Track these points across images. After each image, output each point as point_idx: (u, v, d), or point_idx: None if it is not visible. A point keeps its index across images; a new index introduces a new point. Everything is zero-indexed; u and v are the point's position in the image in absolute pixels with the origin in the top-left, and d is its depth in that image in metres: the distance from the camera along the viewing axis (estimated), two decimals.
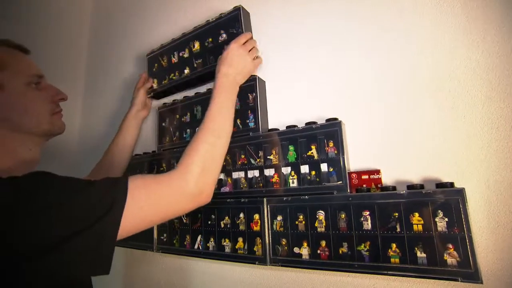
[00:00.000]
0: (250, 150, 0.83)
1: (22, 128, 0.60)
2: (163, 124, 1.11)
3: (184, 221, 0.95)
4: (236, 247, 0.82)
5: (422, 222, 0.58)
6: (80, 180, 0.50)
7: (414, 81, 0.68)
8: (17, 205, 0.42)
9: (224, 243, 0.84)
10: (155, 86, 1.12)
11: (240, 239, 0.82)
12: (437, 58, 0.66)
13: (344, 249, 0.66)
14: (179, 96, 1.10)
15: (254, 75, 0.87)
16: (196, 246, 0.91)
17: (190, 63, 1.02)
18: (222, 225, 0.85)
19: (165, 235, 1.01)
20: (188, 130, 1.02)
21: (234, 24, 0.90)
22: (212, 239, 0.88)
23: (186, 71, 1.02)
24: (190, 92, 1.06)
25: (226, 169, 0.88)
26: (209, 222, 0.89)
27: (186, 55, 1.03)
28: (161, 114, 1.12)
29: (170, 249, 0.97)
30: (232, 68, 0.75)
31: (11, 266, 0.39)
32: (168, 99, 1.14)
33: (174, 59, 1.07)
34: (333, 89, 0.79)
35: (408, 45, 0.70)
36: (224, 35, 0.93)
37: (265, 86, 0.90)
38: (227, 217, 0.85)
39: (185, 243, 0.94)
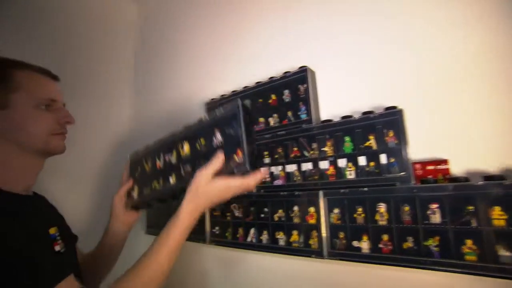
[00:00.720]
0: (303, 143, 0.82)
1: (19, 145, 0.66)
2: None
3: (236, 214, 0.97)
4: (291, 240, 0.82)
5: (505, 217, 0.53)
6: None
7: (482, 64, 0.62)
8: None
9: (278, 236, 0.84)
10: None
11: (295, 232, 0.81)
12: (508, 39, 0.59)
13: (409, 243, 0.63)
14: (225, 91, 1.11)
15: (304, 66, 0.86)
16: (249, 239, 0.92)
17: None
18: (276, 218, 0.85)
19: (217, 228, 1.04)
20: None
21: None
22: (265, 232, 0.88)
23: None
24: (238, 88, 1.07)
25: (279, 162, 0.88)
26: (262, 215, 0.89)
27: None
28: (209, 109, 1.15)
29: (223, 241, 1.00)
30: (200, 207, 0.68)
31: None
32: (216, 94, 1.16)
33: None
34: (389, 76, 0.75)
35: (475, 27, 0.64)
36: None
37: (315, 77, 0.88)
38: (280, 210, 0.85)
39: (237, 235, 0.96)
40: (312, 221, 0.78)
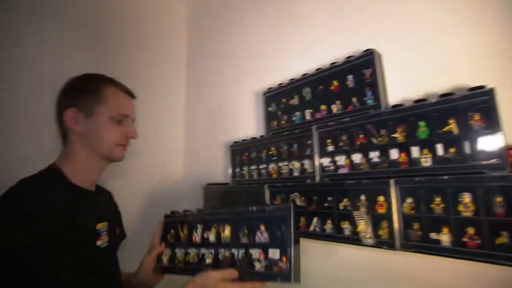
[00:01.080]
0: (370, 129, 0.78)
1: (92, 147, 0.76)
2: (269, 108, 1.13)
3: (298, 203, 0.96)
4: (357, 230, 0.79)
5: None
6: None
7: None
8: None
9: (344, 226, 0.82)
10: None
11: (362, 222, 0.78)
12: None
13: (503, 238, 0.56)
14: (283, 79, 1.10)
15: (369, 49, 0.81)
16: (311, 228, 0.91)
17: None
18: (342, 207, 0.83)
19: None
20: (296, 113, 1.02)
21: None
22: (329, 221, 0.86)
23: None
24: (296, 75, 1.05)
25: (343, 150, 0.85)
26: (326, 204, 0.87)
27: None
28: (267, 99, 1.15)
29: None
30: None
31: None
32: (272, 83, 1.16)
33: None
34: (464, 53, 0.67)
35: None
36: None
37: (382, 59, 0.83)
38: (346, 199, 0.83)
39: (299, 224, 0.95)
40: (381, 210, 0.74)
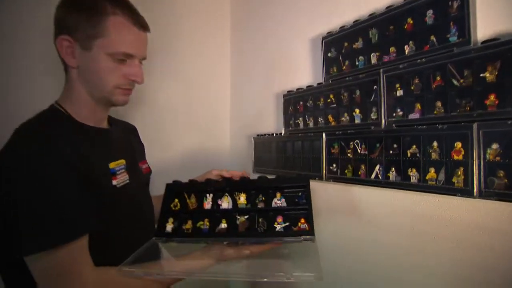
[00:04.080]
0: (452, 70, 0.71)
1: (89, 86, 0.70)
2: (329, 54, 1.08)
3: (359, 150, 0.94)
4: (427, 177, 0.76)
5: None
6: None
7: None
8: None
9: (411, 173, 0.79)
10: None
11: (432, 169, 0.75)
12: None
13: None
14: (344, 22, 1.02)
15: None
16: (373, 176, 0.90)
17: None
18: (409, 154, 0.80)
19: (334, 165, 1.04)
20: (360, 58, 0.96)
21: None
22: (393, 169, 0.84)
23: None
24: (361, 17, 0.97)
25: (414, 94, 0.79)
26: (391, 152, 0.85)
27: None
28: (326, 44, 1.09)
29: (342, 178, 1.00)
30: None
31: None
32: (330, 28, 1.08)
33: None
34: None
35: None
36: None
37: None
38: (414, 146, 0.79)
39: (359, 172, 0.94)
40: (458, 157, 0.70)
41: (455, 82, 0.71)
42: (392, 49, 0.86)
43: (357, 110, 0.96)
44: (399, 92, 0.83)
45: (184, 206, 0.86)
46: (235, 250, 0.75)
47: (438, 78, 0.74)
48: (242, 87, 1.67)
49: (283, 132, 1.29)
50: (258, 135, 1.45)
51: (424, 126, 0.76)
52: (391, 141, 0.85)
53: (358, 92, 0.96)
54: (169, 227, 0.83)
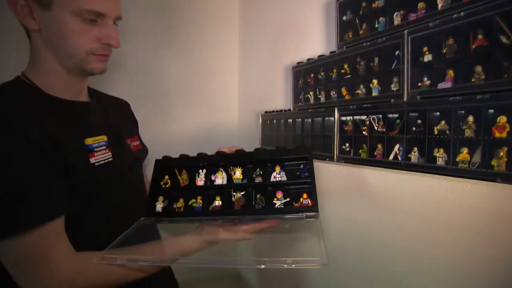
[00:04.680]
0: (501, 23, 0.56)
1: (57, 53, 0.60)
2: (344, 17, 0.93)
3: (376, 128, 0.82)
4: (457, 159, 0.63)
5: None
6: None
7: None
8: None
9: (437, 154, 0.67)
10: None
11: (464, 150, 0.62)
12: None
13: None
14: None
15: None
16: (391, 157, 0.77)
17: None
18: (436, 132, 0.67)
19: (347, 144, 0.92)
20: (381, 19, 0.81)
21: None
22: (415, 149, 0.71)
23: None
24: None
25: (446, 59, 0.65)
26: (414, 129, 0.72)
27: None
28: (341, 5, 0.94)
29: (355, 159, 0.88)
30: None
31: None
32: None
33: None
34: None
35: None
36: None
37: None
38: (443, 122, 0.66)
39: (375, 153, 0.82)
40: (501, 134, 0.56)
41: (503, 40, 0.56)
42: (420, 4, 0.71)
43: (375, 81, 0.83)
44: (427, 57, 0.69)
45: (175, 184, 0.80)
46: (230, 232, 0.68)
47: (480, 37, 0.59)
48: (250, 60, 1.55)
49: (291, 108, 1.17)
50: (266, 112, 1.34)
51: (458, 97, 0.62)
52: (414, 116, 0.71)
53: (376, 59, 0.82)
54: (159, 206, 0.77)
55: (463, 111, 0.62)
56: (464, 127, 0.62)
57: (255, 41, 1.49)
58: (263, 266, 0.58)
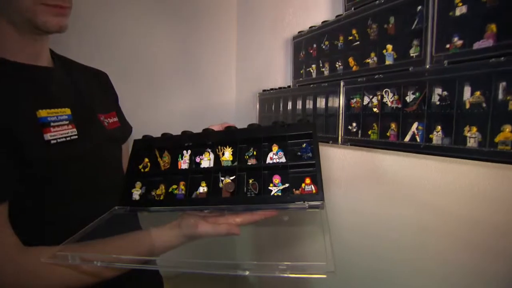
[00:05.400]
0: None
1: (3, 8, 0.51)
2: None
3: (389, 103, 0.68)
4: (496, 140, 0.49)
5: None
6: None
7: None
8: None
9: (468, 134, 0.53)
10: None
11: (507, 128, 0.48)
12: None
13: None
14: None
15: None
16: (408, 138, 0.64)
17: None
18: (467, 105, 0.53)
19: (354, 124, 0.78)
20: None
21: None
22: (439, 128, 0.58)
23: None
24: None
25: (487, 11, 0.50)
26: (438, 102, 0.58)
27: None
28: None
29: (364, 141, 0.75)
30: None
31: None
32: None
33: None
34: None
35: None
36: None
37: None
38: (478, 92, 0.52)
39: (388, 133, 0.69)
40: None
41: None
42: None
43: (389, 47, 0.68)
44: (460, 10, 0.54)
45: (155, 167, 0.68)
46: (211, 225, 0.56)
47: None
48: (248, 34, 1.40)
49: (291, 85, 1.03)
50: (263, 91, 1.20)
51: (502, 59, 0.48)
52: (439, 87, 0.57)
53: (392, 20, 0.67)
54: (136, 193, 0.66)
55: (508, 77, 0.48)
56: (508, 98, 0.48)
57: (253, 12, 1.34)
58: (247, 273, 0.46)
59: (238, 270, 0.47)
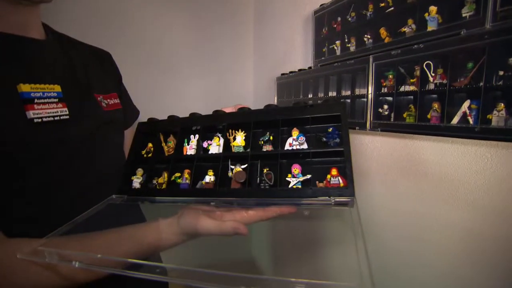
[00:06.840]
0: None
1: None
2: None
3: (431, 79, 0.56)
4: None
5: None
6: None
7: None
8: None
9: None
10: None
11: None
12: None
13: None
14: None
15: None
16: (456, 120, 0.52)
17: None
18: None
19: (385, 107, 0.67)
20: None
21: None
22: (501, 106, 0.45)
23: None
24: None
25: None
26: (501, 73, 0.45)
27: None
28: None
29: (398, 125, 0.63)
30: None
31: None
32: None
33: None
34: None
35: None
36: None
37: None
38: None
39: (428, 116, 0.57)
40: None
41: None
42: None
43: (433, 9, 0.56)
44: None
45: (159, 153, 0.63)
46: (215, 222, 0.48)
47: None
48: (267, 15, 1.29)
49: (312, 65, 0.92)
50: (282, 74, 1.10)
51: None
52: (502, 53, 0.45)
53: None
54: (136, 181, 0.60)
55: None
56: None
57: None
58: None
59: (237, 283, 0.38)
